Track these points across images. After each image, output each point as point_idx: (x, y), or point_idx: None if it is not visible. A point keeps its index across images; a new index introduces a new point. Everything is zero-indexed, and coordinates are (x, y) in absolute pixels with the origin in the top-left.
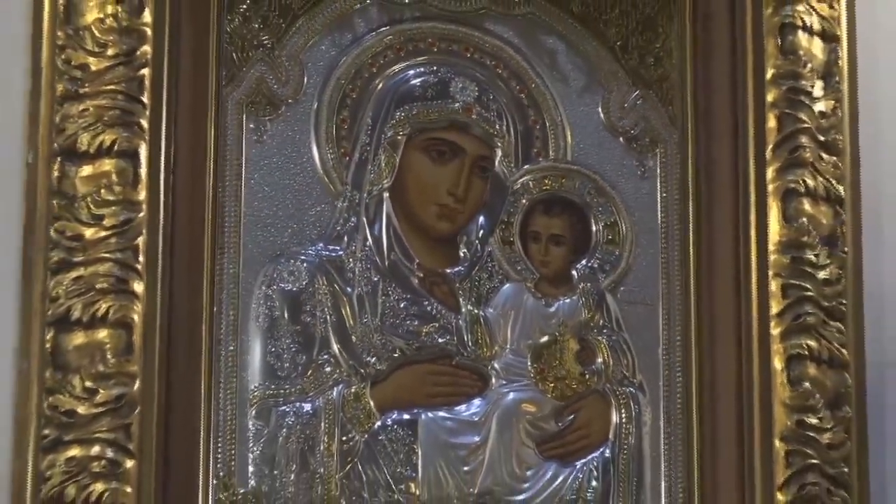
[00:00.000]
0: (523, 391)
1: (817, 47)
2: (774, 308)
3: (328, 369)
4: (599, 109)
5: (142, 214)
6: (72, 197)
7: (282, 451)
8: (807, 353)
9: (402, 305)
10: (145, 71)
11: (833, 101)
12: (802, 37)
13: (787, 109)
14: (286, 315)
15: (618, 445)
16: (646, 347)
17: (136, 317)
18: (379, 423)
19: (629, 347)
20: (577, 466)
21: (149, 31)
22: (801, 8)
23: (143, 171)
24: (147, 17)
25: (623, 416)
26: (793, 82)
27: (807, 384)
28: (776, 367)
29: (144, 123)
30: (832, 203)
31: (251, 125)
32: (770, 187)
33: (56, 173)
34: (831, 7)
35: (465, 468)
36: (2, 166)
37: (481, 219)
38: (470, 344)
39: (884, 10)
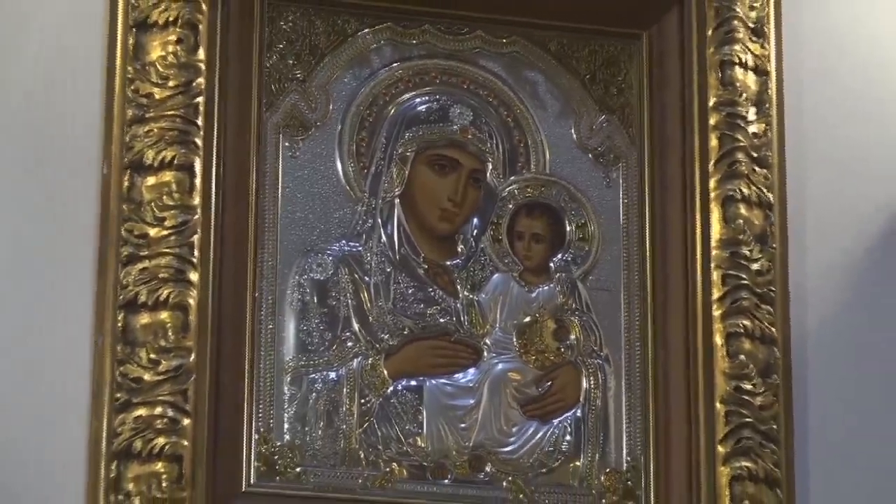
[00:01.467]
0: (510, 362)
1: (751, 80)
2: (716, 294)
3: (350, 344)
4: (572, 131)
5: (196, 217)
6: (139, 202)
7: (311, 411)
8: (742, 330)
9: (410, 292)
10: (200, 99)
11: (764, 124)
12: (739, 71)
13: (727, 131)
14: (315, 300)
15: (587, 407)
16: (610, 326)
17: (191, 301)
18: (391, 388)
19: (597, 326)
20: (554, 424)
21: (203, 66)
22: (737, 48)
23: (198, 181)
24: (201, 54)
25: (592, 382)
26: (731, 109)
27: (742, 356)
28: (717, 343)
29: (199, 142)
30: (763, 207)
31: (286, 143)
32: (712, 195)
33: (126, 183)
34: (762, 47)
35: (462, 425)
36: (82, 177)
37: (475, 220)
38: (466, 323)
39: (806, 50)
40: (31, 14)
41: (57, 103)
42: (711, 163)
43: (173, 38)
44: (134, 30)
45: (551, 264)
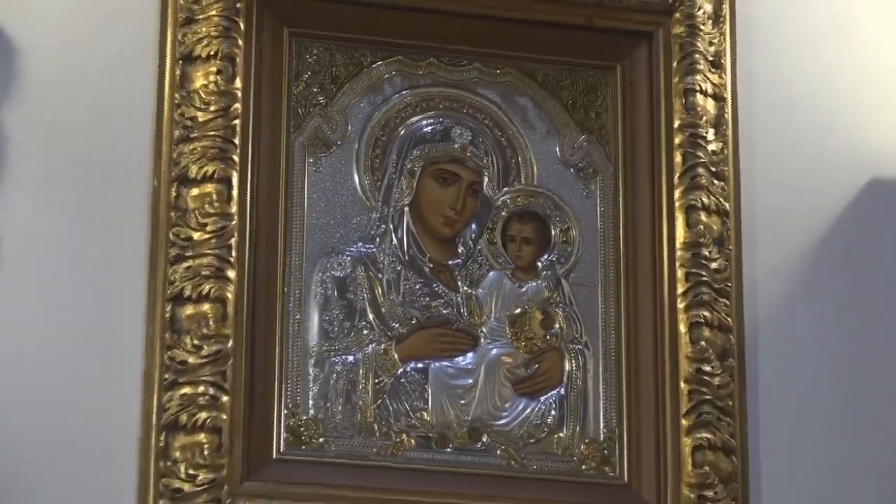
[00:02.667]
0: (503, 348)
1: (710, 105)
2: (680, 289)
3: (365, 332)
4: (557, 149)
5: (234, 223)
6: (184, 210)
7: (332, 389)
8: (703, 320)
9: (417, 287)
10: (237, 121)
11: (721, 143)
12: (700, 98)
13: (689, 149)
14: (336, 294)
15: (569, 386)
16: (589, 317)
17: (229, 295)
18: (401, 370)
19: (578, 317)
20: (541, 400)
21: (239, 94)
22: (698, 78)
23: (235, 192)
24: (238, 83)
25: (573, 365)
26: (693, 130)
27: (703, 343)
28: (681, 331)
29: (236, 158)
30: (720, 215)
31: (311, 160)
32: (677, 203)
33: (173, 193)
34: (720, 77)
35: (462, 402)
36: (135, 189)
37: (473, 226)
38: (465, 314)
39: (757, 80)
40: (93, 49)
41: (115, 125)
42: (676, 176)
43: (214, 69)
44: (180, 62)
45: (539, 263)
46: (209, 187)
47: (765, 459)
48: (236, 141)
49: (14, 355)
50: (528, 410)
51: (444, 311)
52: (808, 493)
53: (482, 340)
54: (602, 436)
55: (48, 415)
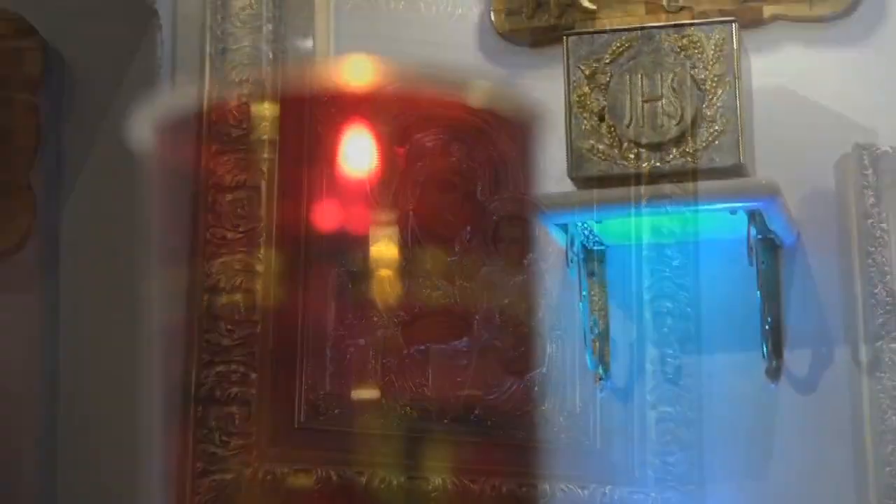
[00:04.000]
0: (494, 333)
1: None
2: (646, 283)
3: (375, 319)
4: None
5: (262, 224)
6: (220, 213)
7: (346, 368)
8: (666, 310)
9: (420, 280)
10: (265, 137)
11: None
12: None
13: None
14: (350, 286)
15: (551, 366)
16: (568, 307)
17: (257, 286)
18: (406, 351)
19: (558, 307)
20: (526, 378)
21: (266, 113)
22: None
23: (263, 198)
24: (266, 105)
25: (554, 349)
26: None
27: (665, 329)
28: (647, 319)
29: (264, 169)
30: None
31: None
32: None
33: (210, 199)
34: None
35: (458, 380)
36: (178, 195)
37: (468, 228)
38: (461, 304)
39: None
40: (142, 74)
41: (160, 140)
42: (643, 186)
43: (245, 91)
44: (217, 86)
45: (524, 261)
46: (241, 194)
47: (711, 426)
48: (265, 155)
49: (78, 338)
50: (515, 387)
51: (444, 302)
52: (750, 461)
53: (476, 327)
54: (578, 409)
55: (102, 389)
